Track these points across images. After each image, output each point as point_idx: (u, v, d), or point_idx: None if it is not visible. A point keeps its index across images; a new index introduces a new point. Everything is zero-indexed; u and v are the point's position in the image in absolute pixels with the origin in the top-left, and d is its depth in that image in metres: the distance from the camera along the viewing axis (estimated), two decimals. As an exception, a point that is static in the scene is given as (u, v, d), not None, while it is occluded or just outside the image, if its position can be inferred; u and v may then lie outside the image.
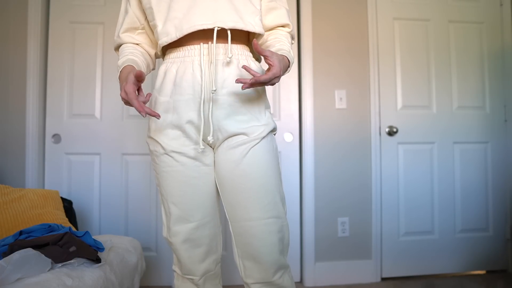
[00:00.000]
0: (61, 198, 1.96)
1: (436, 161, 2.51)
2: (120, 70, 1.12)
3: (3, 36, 2.28)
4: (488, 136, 2.57)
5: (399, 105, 2.50)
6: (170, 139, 1.12)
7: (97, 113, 2.37)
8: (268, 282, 1.11)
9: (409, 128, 2.49)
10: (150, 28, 1.20)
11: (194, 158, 1.12)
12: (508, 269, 2.56)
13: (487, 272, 2.56)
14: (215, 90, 1.07)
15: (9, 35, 2.28)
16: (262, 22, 1.17)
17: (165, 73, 1.14)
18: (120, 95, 0.99)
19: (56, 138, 2.34)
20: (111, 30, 2.37)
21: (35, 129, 2.28)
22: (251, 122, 1.13)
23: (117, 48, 1.24)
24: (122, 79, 1.08)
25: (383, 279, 2.46)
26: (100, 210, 2.34)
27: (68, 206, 2.04)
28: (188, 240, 1.14)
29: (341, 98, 2.45)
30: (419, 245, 2.48)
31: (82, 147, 2.34)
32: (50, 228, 1.42)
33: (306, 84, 2.42)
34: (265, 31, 1.21)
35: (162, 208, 1.20)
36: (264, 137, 1.13)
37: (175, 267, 1.22)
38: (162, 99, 1.12)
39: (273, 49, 1.15)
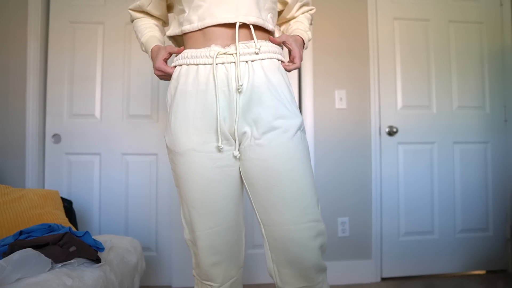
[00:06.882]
0: (61, 198, 1.96)
1: (436, 161, 2.51)
2: (145, 45, 1.21)
3: (3, 36, 2.28)
4: (488, 136, 2.57)
5: (399, 105, 2.50)
6: (191, 135, 1.04)
7: (97, 113, 2.37)
8: (309, 286, 1.02)
9: (409, 128, 2.49)
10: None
11: (216, 159, 1.04)
12: (508, 269, 2.56)
13: (487, 272, 2.56)
14: (241, 85, 1.00)
15: (9, 35, 2.28)
16: (276, 18, 1.20)
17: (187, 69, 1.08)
18: (155, 73, 1.13)
19: (56, 138, 2.34)
20: (111, 30, 2.37)
21: (35, 129, 2.28)
22: (279, 109, 1.03)
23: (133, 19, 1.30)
24: (153, 58, 1.15)
25: (383, 279, 2.46)
26: (100, 210, 2.34)
27: (68, 206, 2.04)
28: (210, 246, 1.07)
29: (341, 98, 2.45)
30: (419, 245, 2.48)
31: (82, 147, 2.34)
32: (50, 228, 1.42)
33: (306, 84, 2.42)
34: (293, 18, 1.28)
35: (181, 210, 1.11)
36: (297, 131, 1.03)
37: (194, 272, 1.15)
38: (184, 88, 1.06)
39: (290, 30, 1.23)
